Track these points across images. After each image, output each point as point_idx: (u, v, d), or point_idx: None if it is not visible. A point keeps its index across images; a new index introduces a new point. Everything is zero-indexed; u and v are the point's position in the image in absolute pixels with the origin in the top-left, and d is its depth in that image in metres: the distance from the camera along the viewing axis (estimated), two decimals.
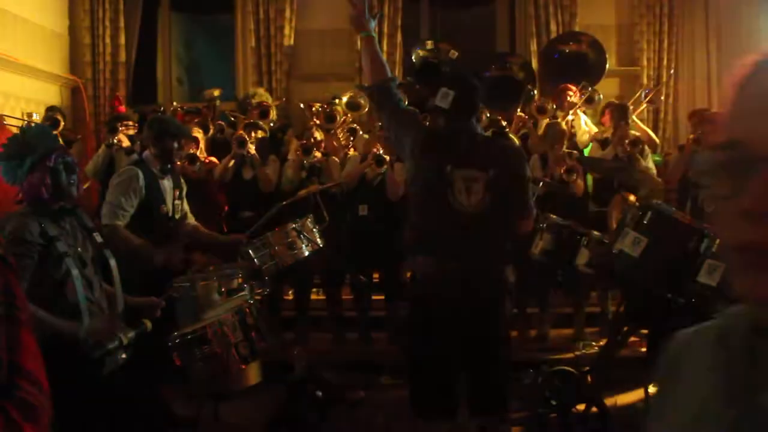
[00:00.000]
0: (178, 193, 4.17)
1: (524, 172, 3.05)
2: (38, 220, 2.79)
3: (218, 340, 2.96)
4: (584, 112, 6.68)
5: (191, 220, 4.32)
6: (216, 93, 7.07)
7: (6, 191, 3.24)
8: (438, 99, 2.95)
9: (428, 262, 2.92)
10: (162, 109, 6.71)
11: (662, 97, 7.63)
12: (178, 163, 4.64)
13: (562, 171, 5.30)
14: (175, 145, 4.06)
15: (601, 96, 6.88)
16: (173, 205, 4.11)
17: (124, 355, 2.80)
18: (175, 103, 7.20)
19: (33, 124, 3.01)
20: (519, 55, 7.98)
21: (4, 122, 6.35)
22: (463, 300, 2.86)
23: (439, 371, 2.91)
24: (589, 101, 6.73)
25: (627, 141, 5.60)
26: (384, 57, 3.66)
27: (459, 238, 2.87)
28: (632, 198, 3.71)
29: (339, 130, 6.35)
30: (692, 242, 3.02)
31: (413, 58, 7.46)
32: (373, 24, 3.15)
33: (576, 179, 5.31)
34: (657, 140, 6.98)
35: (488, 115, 5.97)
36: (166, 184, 4.08)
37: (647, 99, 7.21)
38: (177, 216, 4.15)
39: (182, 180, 4.31)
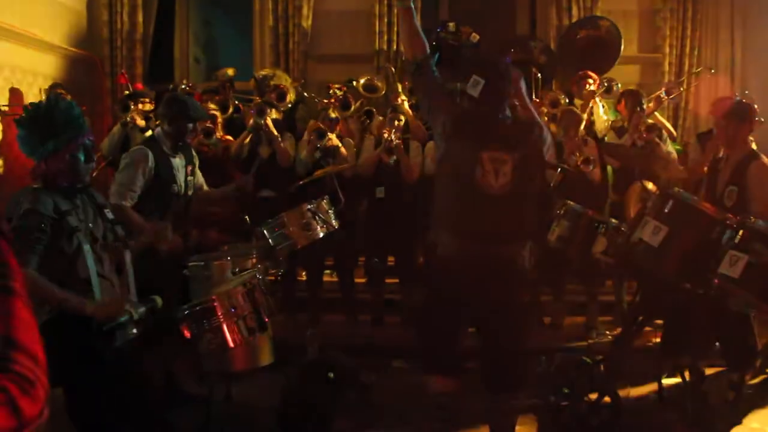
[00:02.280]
0: (190, 169, 4.16)
1: (541, 152, 3.13)
2: (51, 195, 2.80)
3: (226, 312, 2.97)
4: (602, 101, 6.59)
5: (205, 187, 4.32)
6: (230, 72, 7.03)
7: (17, 156, 3.22)
8: (469, 87, 3.00)
9: (453, 241, 3.00)
10: (181, 86, 6.66)
11: (682, 89, 7.49)
12: (195, 140, 4.64)
13: (578, 158, 5.24)
14: (190, 126, 4.03)
15: (620, 85, 6.77)
16: (185, 182, 4.09)
17: (134, 330, 2.81)
18: (185, 82, 7.12)
19: (61, 100, 2.93)
20: (540, 39, 7.87)
21: (23, 98, 6.38)
22: (483, 279, 2.94)
23: (448, 333, 3.08)
24: (608, 91, 6.63)
25: (643, 127, 5.52)
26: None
27: (485, 219, 2.94)
28: (651, 186, 3.65)
29: (355, 114, 6.31)
30: (714, 233, 2.96)
31: (433, 41, 7.37)
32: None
33: (593, 168, 5.25)
34: (674, 132, 6.88)
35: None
36: (177, 162, 4.06)
37: (670, 96, 7.07)
38: (189, 192, 4.14)
39: (194, 154, 4.28)
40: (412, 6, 3.17)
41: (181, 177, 4.06)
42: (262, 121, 5.41)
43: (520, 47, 7.50)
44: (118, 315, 2.75)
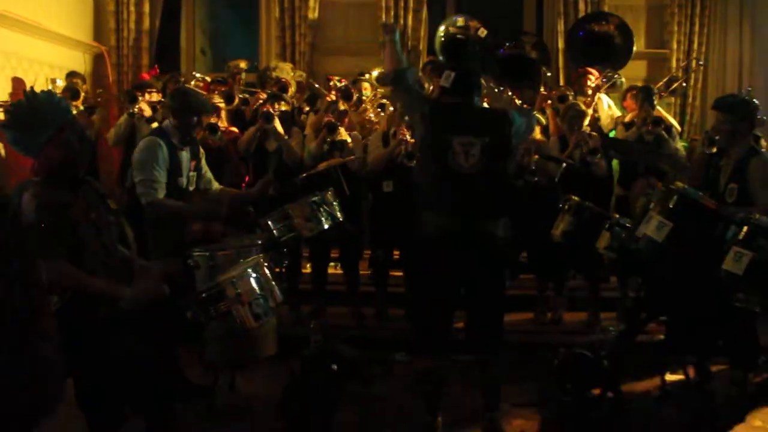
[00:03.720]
0: (194, 164, 4.15)
1: (512, 133, 3.52)
2: (52, 188, 2.80)
3: (232, 297, 2.98)
4: (607, 95, 6.57)
5: (216, 185, 4.32)
6: (242, 65, 7.02)
7: (17, 157, 3.23)
8: (443, 80, 3.52)
9: (432, 218, 3.36)
10: (183, 79, 6.67)
11: (683, 84, 7.46)
12: (200, 134, 4.63)
13: (584, 148, 5.24)
14: (195, 119, 4.03)
15: (623, 80, 6.75)
16: (188, 177, 4.09)
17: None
18: (196, 74, 7.14)
19: (40, 91, 2.95)
20: (532, 34, 7.81)
21: (25, 87, 6.38)
22: (462, 248, 3.31)
23: (437, 312, 3.42)
24: (612, 86, 6.62)
25: (650, 120, 5.51)
26: (407, 37, 4.62)
27: (457, 195, 3.33)
28: (657, 182, 3.65)
29: (369, 106, 6.28)
30: (718, 229, 2.95)
31: (441, 34, 7.33)
32: (398, 35, 3.77)
33: (599, 160, 5.24)
34: (678, 128, 6.85)
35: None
36: (184, 155, 4.07)
37: (670, 89, 7.05)
38: (191, 188, 4.14)
39: (201, 149, 4.29)
40: (397, 39, 3.72)
41: (185, 171, 4.06)
42: (271, 127, 5.41)
43: (513, 42, 7.44)
44: (158, 296, 2.79)
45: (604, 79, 6.49)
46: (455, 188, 3.34)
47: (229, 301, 2.99)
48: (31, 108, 2.84)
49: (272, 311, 3.16)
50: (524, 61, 7.00)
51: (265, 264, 3.23)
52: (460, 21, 7.15)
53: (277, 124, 5.48)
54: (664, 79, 7.05)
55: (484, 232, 3.35)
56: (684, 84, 7.44)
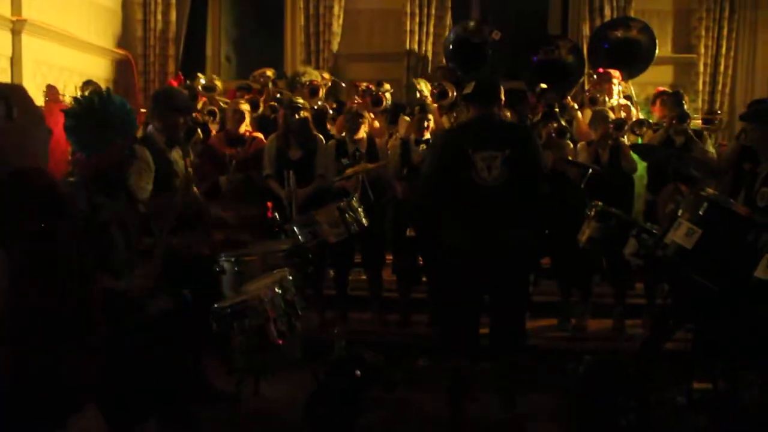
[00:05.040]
0: (189, 161, 4.13)
1: (535, 149, 3.63)
2: (87, 188, 2.85)
3: (257, 314, 2.98)
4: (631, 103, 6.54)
5: (194, 189, 4.29)
6: (269, 73, 7.06)
7: (57, 146, 3.24)
8: (465, 89, 3.66)
9: (457, 230, 3.48)
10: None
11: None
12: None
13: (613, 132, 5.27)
14: (181, 120, 3.98)
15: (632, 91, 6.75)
16: (187, 173, 4.07)
17: (164, 304, 2.86)
18: (214, 77, 7.18)
19: (115, 96, 2.96)
20: (568, 39, 7.80)
21: (59, 95, 6.50)
22: (486, 258, 3.44)
23: (464, 316, 3.57)
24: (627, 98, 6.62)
25: (674, 116, 5.47)
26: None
27: (481, 208, 3.44)
28: (686, 188, 3.60)
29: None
30: (750, 235, 2.90)
31: (452, 38, 7.32)
32: None
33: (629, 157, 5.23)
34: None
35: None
36: (175, 155, 4.00)
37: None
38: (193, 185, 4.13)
39: (189, 149, 4.23)
40: None
41: (180, 171, 4.03)
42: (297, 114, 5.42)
43: (547, 46, 7.44)
44: (149, 287, 2.81)
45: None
46: (479, 202, 3.44)
47: (253, 317, 2.98)
48: (103, 107, 2.87)
49: (296, 328, 3.15)
50: (560, 66, 7.01)
51: (290, 278, 3.23)
52: (472, 24, 7.13)
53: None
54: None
55: (508, 242, 3.44)
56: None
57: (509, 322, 3.58)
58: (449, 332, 3.65)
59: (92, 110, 2.85)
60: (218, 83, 7.01)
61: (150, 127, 4.05)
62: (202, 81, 6.87)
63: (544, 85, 6.28)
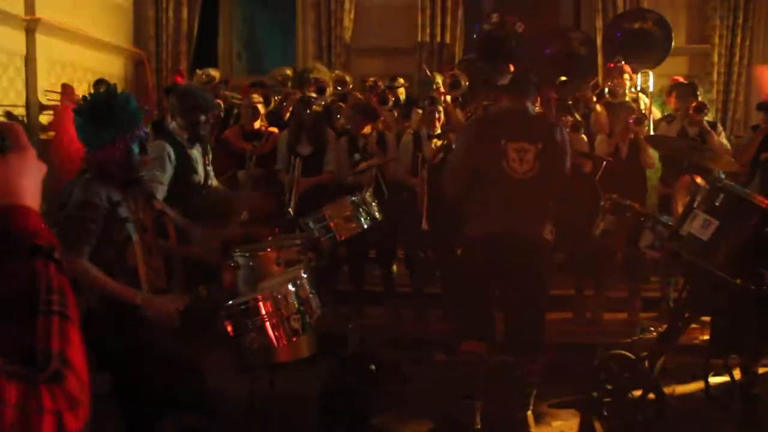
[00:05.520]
0: (208, 159, 4.17)
1: (564, 143, 3.57)
2: (104, 185, 2.86)
3: (270, 312, 2.97)
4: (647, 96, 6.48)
5: (214, 181, 4.33)
6: (288, 72, 7.05)
7: (72, 145, 3.26)
8: (501, 80, 3.75)
9: (482, 221, 3.44)
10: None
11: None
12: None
13: (630, 117, 5.25)
14: (203, 118, 4.02)
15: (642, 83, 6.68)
16: (205, 171, 4.11)
17: (180, 302, 2.87)
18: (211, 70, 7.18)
19: (122, 91, 2.98)
20: (581, 31, 7.75)
21: (74, 93, 6.55)
22: (509, 253, 3.37)
23: (482, 305, 3.52)
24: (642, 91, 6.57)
25: (692, 107, 5.44)
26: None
27: (510, 200, 3.40)
28: (701, 180, 3.56)
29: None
30: (767, 226, 2.87)
31: (476, 33, 7.30)
32: None
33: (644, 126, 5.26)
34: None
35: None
36: (195, 153, 4.05)
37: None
38: (209, 182, 4.16)
39: (209, 147, 4.27)
40: None
41: (200, 167, 4.07)
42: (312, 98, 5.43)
43: (561, 38, 7.39)
44: (167, 316, 2.81)
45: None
46: (508, 193, 3.40)
47: (266, 315, 2.98)
48: (107, 102, 2.87)
49: (309, 327, 3.13)
50: (573, 58, 6.98)
51: (305, 276, 3.22)
52: (495, 17, 7.10)
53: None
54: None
55: (531, 235, 3.42)
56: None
57: (527, 322, 3.48)
58: (467, 318, 3.60)
59: (97, 106, 2.87)
60: (215, 74, 7.05)
61: (173, 123, 4.11)
62: (203, 77, 6.93)
63: (563, 78, 6.25)
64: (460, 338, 3.57)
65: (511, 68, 5.97)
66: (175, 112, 4.13)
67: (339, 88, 6.85)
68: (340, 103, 6.44)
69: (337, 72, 7.23)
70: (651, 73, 6.61)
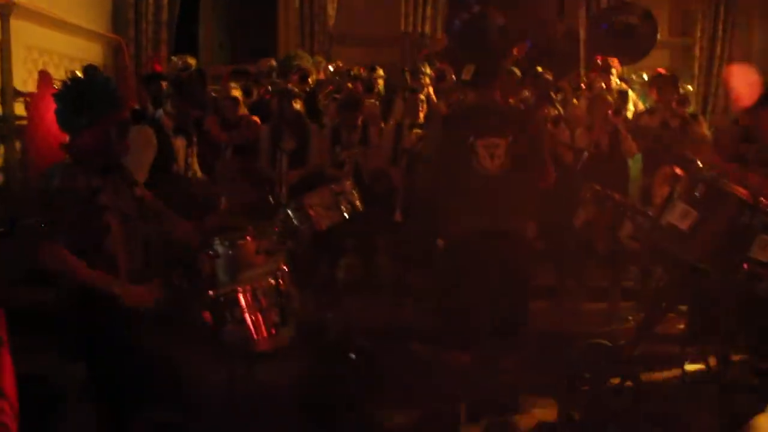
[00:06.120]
0: (192, 150, 4.13)
1: (540, 135, 3.51)
2: (84, 171, 2.82)
3: (250, 304, 2.95)
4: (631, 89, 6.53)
5: (198, 172, 4.28)
6: (273, 63, 6.99)
7: (49, 132, 3.22)
8: (463, 74, 3.46)
9: (459, 221, 3.38)
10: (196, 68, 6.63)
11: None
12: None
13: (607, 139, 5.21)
14: (193, 112, 3.99)
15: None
16: (186, 163, 4.07)
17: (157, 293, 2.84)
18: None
19: (98, 75, 2.94)
20: (564, 23, 7.77)
21: (51, 80, 6.44)
22: (488, 251, 3.29)
23: (467, 309, 3.39)
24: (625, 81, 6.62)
25: (675, 100, 5.48)
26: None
27: (484, 198, 3.30)
28: (680, 171, 3.59)
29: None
30: (745, 216, 2.90)
31: (456, 21, 7.29)
32: None
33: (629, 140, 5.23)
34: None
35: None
36: (179, 143, 4.03)
37: None
38: (190, 174, 4.12)
39: (194, 139, 4.25)
40: None
41: (182, 158, 4.03)
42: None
43: (543, 31, 7.41)
44: (146, 305, 2.78)
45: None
46: (481, 192, 3.31)
47: (246, 307, 2.96)
48: (85, 86, 2.83)
49: (289, 318, 3.12)
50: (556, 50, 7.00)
51: (285, 267, 3.20)
52: (476, 8, 7.09)
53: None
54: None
55: (514, 232, 3.36)
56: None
57: (511, 314, 3.44)
58: (452, 324, 3.53)
59: (74, 91, 2.82)
60: (192, 62, 7.00)
61: (160, 110, 4.06)
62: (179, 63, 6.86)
63: (540, 69, 6.27)
64: (443, 345, 3.54)
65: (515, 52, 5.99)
66: (166, 99, 4.08)
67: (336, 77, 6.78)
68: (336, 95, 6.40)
69: (338, 63, 7.16)
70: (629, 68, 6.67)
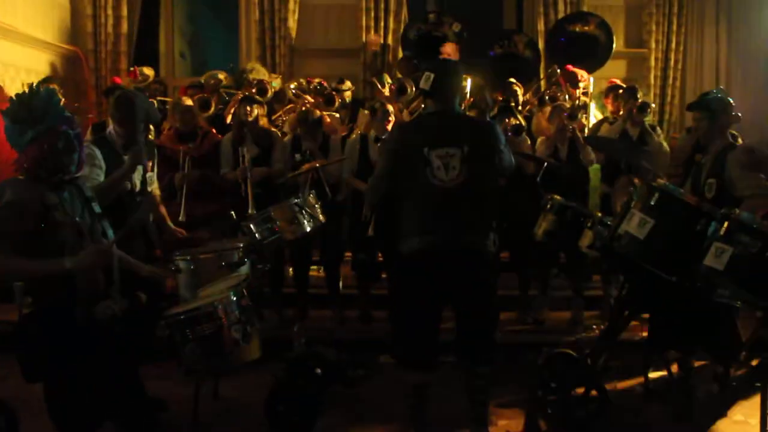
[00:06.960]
0: (150, 165, 4.03)
1: (496, 143, 3.30)
2: (37, 187, 2.76)
3: (211, 321, 2.91)
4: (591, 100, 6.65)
5: (156, 189, 4.22)
6: (221, 76, 6.92)
7: (3, 149, 3.17)
8: (421, 82, 3.29)
9: (416, 237, 3.19)
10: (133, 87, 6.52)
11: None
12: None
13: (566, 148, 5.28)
14: (141, 127, 3.90)
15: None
16: (144, 178, 3.97)
17: (116, 307, 2.80)
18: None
19: (43, 89, 2.90)
20: (525, 34, 7.88)
21: (3, 93, 6.30)
22: (448, 269, 3.16)
23: (424, 327, 3.25)
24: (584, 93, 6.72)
25: (635, 107, 5.58)
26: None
27: (441, 212, 3.16)
28: (638, 181, 3.67)
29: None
30: (700, 225, 2.96)
31: (411, 31, 7.34)
32: None
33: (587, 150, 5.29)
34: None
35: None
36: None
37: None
38: (148, 188, 4.02)
39: (155, 151, 4.18)
40: None
41: (136, 175, 3.92)
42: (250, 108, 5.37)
43: (505, 41, 7.51)
44: (107, 263, 2.75)
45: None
46: (438, 205, 3.16)
47: (207, 325, 2.91)
48: (29, 101, 2.80)
49: (252, 335, 3.07)
50: (518, 60, 7.07)
51: (246, 284, 3.15)
52: (431, 17, 7.14)
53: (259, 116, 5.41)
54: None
55: (471, 248, 3.18)
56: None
57: (478, 334, 3.26)
58: (408, 343, 3.29)
59: (19, 105, 2.79)
60: (149, 73, 6.97)
61: (110, 129, 3.97)
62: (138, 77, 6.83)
63: (512, 80, 6.33)
64: (402, 366, 3.34)
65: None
66: (112, 119, 3.99)
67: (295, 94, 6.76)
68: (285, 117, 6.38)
69: (301, 81, 7.12)
70: (591, 77, 6.79)
